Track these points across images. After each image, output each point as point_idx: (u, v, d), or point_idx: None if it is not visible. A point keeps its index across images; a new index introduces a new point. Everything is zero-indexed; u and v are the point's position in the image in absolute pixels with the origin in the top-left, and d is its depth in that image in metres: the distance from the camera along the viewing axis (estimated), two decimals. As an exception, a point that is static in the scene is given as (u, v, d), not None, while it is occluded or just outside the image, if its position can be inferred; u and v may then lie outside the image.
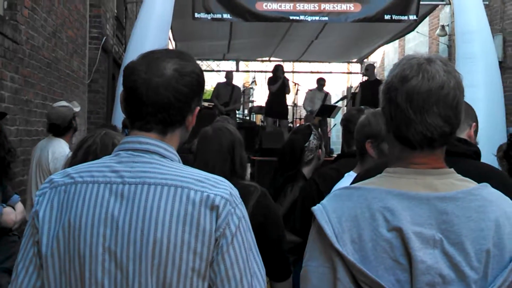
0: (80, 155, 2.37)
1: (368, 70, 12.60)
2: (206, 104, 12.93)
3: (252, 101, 16.71)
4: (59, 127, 5.17)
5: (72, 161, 2.32)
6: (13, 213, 3.74)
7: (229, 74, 13.03)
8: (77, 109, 5.59)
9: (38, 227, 1.53)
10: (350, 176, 2.83)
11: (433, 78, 1.42)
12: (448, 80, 1.43)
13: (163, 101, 1.54)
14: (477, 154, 2.07)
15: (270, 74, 12.81)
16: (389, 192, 1.41)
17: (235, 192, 1.55)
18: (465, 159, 1.97)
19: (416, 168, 1.46)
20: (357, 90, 12.82)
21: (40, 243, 1.52)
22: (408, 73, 1.44)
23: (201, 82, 1.62)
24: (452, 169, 1.48)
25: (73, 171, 1.58)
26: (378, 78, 13.28)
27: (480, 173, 1.75)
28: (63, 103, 5.63)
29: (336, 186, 2.80)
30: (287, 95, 12.62)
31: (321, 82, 13.46)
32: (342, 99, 15.16)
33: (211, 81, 19.47)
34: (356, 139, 2.90)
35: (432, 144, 1.45)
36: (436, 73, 1.43)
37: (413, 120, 1.42)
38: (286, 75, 12.79)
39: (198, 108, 1.65)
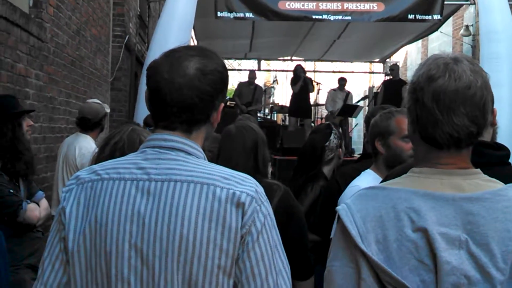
0: (107, 151, 2.38)
1: (394, 70, 12.57)
2: (227, 102, 12.97)
3: (273, 101, 16.71)
4: (89, 122, 5.24)
5: (99, 157, 2.33)
6: (37, 210, 3.77)
7: (252, 74, 13.06)
8: (107, 110, 5.67)
9: (65, 223, 1.54)
10: (367, 173, 2.86)
11: (460, 78, 1.41)
12: (475, 80, 1.41)
13: (187, 101, 1.54)
14: (508, 156, 2.03)
15: (292, 74, 12.82)
16: (415, 193, 1.40)
17: (261, 189, 1.55)
18: (502, 167, 1.93)
19: (442, 168, 1.44)
20: (379, 90, 12.77)
21: (67, 239, 1.53)
22: (435, 73, 1.42)
23: (224, 79, 1.62)
24: (478, 169, 1.47)
25: (99, 168, 1.59)
26: (401, 78, 13.21)
27: None
28: (96, 100, 5.72)
29: (353, 183, 2.81)
30: (310, 95, 12.60)
31: (342, 82, 13.46)
32: (363, 98, 15.10)
33: (232, 80, 19.50)
34: (369, 140, 2.98)
35: (459, 145, 1.43)
36: (463, 72, 1.41)
37: (440, 120, 1.41)
38: (307, 74, 12.76)
39: (223, 104, 1.65)
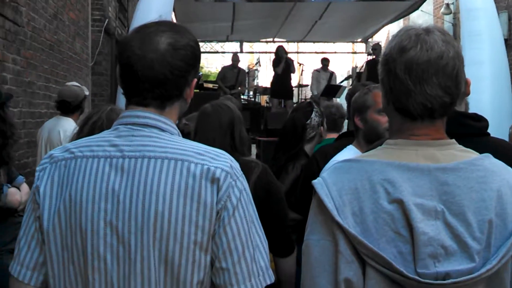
0: (86, 131, 2.36)
1: (376, 49, 12.58)
2: (211, 85, 12.92)
3: (257, 84, 16.70)
4: (70, 105, 5.21)
5: (78, 137, 2.31)
6: (18, 194, 3.74)
7: (235, 57, 13.02)
8: (87, 93, 5.63)
9: (39, 202, 1.53)
10: (349, 149, 2.86)
11: (432, 48, 1.40)
12: (447, 50, 1.41)
13: (159, 77, 1.52)
14: (487, 127, 2.04)
15: (274, 56, 12.79)
16: (390, 164, 1.40)
17: (236, 164, 1.54)
18: (481, 137, 1.94)
19: (417, 140, 1.44)
20: (362, 69, 12.78)
21: (42, 218, 1.52)
22: (406, 44, 1.42)
23: (196, 54, 1.60)
24: (453, 140, 1.47)
25: (72, 146, 1.57)
26: (383, 57, 13.22)
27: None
28: (75, 83, 5.66)
29: (335, 158, 2.80)
30: (292, 76, 12.59)
31: (325, 62, 13.47)
32: (347, 78, 15.12)
33: (215, 63, 19.41)
34: (350, 116, 3.00)
35: (432, 115, 1.43)
36: (434, 43, 1.41)
37: (413, 91, 1.41)
38: (290, 55, 12.73)
39: (196, 80, 1.64)
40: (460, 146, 1.46)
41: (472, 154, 1.44)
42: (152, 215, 1.44)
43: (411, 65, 1.40)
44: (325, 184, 1.43)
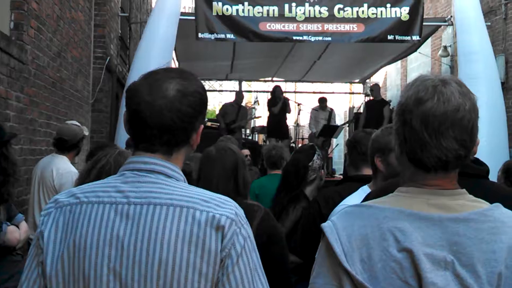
0: (93, 175, 2.35)
1: (374, 90, 12.66)
2: (209, 124, 12.98)
3: (256, 117, 16.73)
4: (67, 143, 5.22)
5: (85, 181, 2.30)
6: (17, 232, 3.73)
7: (239, 94, 13.13)
8: (86, 133, 5.64)
9: (43, 247, 1.52)
10: (363, 190, 2.81)
11: (449, 101, 1.40)
12: (464, 103, 1.41)
13: (167, 123, 1.53)
14: (488, 172, 2.07)
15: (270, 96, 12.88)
16: (401, 212, 1.40)
17: (241, 212, 1.55)
18: (478, 179, 1.97)
19: (429, 189, 1.44)
20: (360, 110, 12.84)
21: (45, 263, 1.51)
22: (423, 95, 1.42)
23: (204, 100, 1.62)
24: (464, 190, 1.47)
25: (78, 191, 1.57)
26: (383, 98, 13.33)
27: (500, 195, 1.77)
28: (75, 122, 5.68)
29: (348, 199, 2.77)
30: (287, 115, 12.66)
31: (322, 103, 13.48)
32: (346, 123, 15.09)
33: (213, 101, 19.52)
34: (369, 156, 2.89)
35: (446, 167, 1.43)
36: (451, 95, 1.41)
37: (428, 143, 1.41)
38: (288, 95, 12.81)
39: (202, 126, 1.65)
40: (471, 196, 1.46)
41: (483, 204, 1.44)
42: (156, 263, 1.44)
43: (428, 117, 1.40)
44: (334, 228, 1.43)
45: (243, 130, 14.36)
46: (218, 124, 12.59)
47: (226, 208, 1.51)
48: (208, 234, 1.46)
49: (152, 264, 1.44)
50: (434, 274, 1.33)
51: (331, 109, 13.55)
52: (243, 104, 14.26)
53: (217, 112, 13.42)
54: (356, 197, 2.74)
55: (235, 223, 1.49)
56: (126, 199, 1.50)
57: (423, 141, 1.41)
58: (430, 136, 1.40)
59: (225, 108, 12.80)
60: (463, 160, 1.44)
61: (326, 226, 1.45)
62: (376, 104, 12.27)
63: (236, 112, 12.39)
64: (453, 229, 1.37)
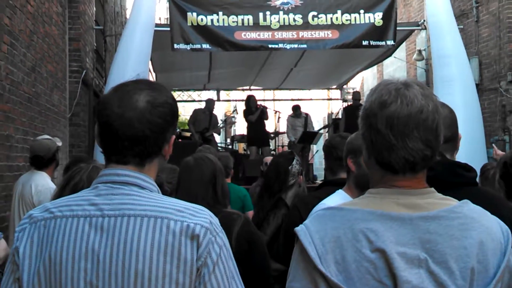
0: (67, 192, 2.34)
1: (356, 98, 12.80)
2: (188, 134, 12.87)
3: (233, 122, 16.65)
4: (43, 159, 5.16)
5: (60, 197, 2.29)
6: (-5, 250, 3.69)
7: (211, 101, 12.96)
8: (59, 143, 5.58)
9: (19, 263, 1.51)
10: (339, 194, 2.83)
11: (412, 103, 1.43)
12: (427, 104, 1.44)
13: (138, 134, 1.54)
14: (475, 178, 2.10)
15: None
16: (371, 213, 1.42)
17: (215, 220, 1.55)
18: (470, 187, 2.00)
19: (398, 189, 1.46)
20: (339, 116, 12.91)
21: (21, 280, 1.50)
22: (387, 99, 1.45)
23: (174, 111, 1.63)
24: (432, 189, 1.49)
25: (52, 206, 1.57)
26: (361, 103, 13.42)
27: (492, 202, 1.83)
28: (46, 136, 5.62)
29: (323, 202, 2.79)
30: (265, 122, 12.66)
31: (296, 110, 13.44)
32: (324, 127, 15.19)
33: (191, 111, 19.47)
34: (343, 157, 2.90)
35: (414, 168, 1.45)
36: (414, 97, 1.44)
37: (395, 145, 1.43)
38: (267, 103, 12.81)
39: (174, 136, 1.65)
40: (440, 194, 1.49)
41: (452, 202, 1.47)
42: (132, 274, 1.44)
43: (392, 119, 1.42)
44: (308, 231, 1.44)
45: (223, 139, 14.36)
46: (190, 133, 12.46)
47: (200, 217, 1.51)
48: (183, 243, 1.46)
49: (128, 276, 1.44)
50: (408, 272, 1.35)
51: (306, 114, 13.55)
52: (220, 114, 14.20)
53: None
54: (333, 199, 2.75)
55: (210, 232, 1.50)
56: (100, 212, 1.50)
57: (389, 144, 1.43)
58: (396, 138, 1.43)
59: (196, 115, 12.56)
60: (430, 160, 1.47)
61: (299, 230, 1.46)
62: (354, 110, 12.34)
63: (208, 119, 12.31)
64: (424, 227, 1.39)
